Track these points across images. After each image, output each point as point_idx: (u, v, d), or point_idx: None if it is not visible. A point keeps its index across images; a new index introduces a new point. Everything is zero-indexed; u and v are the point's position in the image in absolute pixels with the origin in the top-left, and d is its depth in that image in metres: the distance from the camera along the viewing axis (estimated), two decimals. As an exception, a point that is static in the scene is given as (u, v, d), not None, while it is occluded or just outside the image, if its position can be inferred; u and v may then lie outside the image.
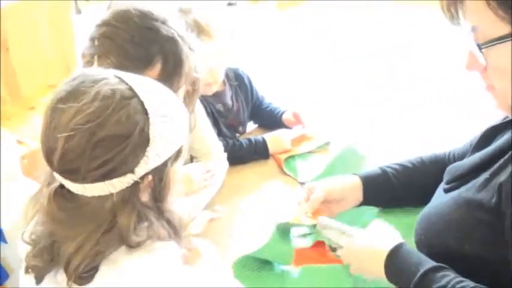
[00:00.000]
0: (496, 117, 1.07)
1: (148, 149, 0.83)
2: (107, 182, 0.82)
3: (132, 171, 0.83)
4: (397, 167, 1.30)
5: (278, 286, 1.19)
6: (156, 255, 0.86)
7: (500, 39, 0.83)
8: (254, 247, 1.22)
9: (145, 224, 0.87)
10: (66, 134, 0.80)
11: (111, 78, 0.85)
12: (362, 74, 2.82)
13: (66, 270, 0.83)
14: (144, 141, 0.83)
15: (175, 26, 1.19)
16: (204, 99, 1.66)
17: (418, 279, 0.93)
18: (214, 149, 1.57)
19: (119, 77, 0.86)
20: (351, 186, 1.28)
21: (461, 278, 0.91)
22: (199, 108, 1.51)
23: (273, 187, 1.57)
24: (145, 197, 0.88)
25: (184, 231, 0.95)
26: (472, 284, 0.89)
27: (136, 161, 0.82)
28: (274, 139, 1.71)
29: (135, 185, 0.84)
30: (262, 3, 4.94)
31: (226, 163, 1.59)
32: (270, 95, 1.94)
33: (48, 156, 0.83)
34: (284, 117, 1.80)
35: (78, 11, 4.68)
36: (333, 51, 3.45)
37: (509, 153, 0.94)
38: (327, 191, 1.25)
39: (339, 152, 1.63)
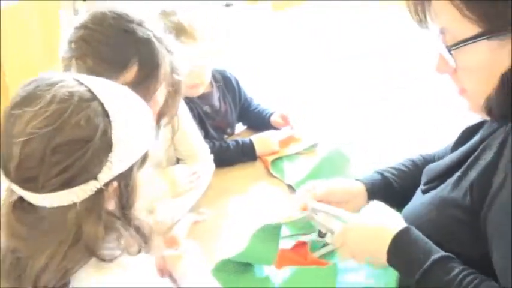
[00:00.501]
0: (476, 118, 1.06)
1: (111, 154, 0.79)
2: (68, 191, 0.77)
3: (95, 178, 0.79)
4: (394, 171, 1.27)
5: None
6: (127, 272, 0.83)
7: (469, 40, 0.82)
8: (234, 251, 1.20)
9: (115, 235, 0.84)
10: (22, 140, 0.76)
11: (68, 80, 0.81)
12: (357, 74, 2.82)
13: None
14: (106, 146, 0.79)
15: (152, 27, 1.18)
16: (191, 101, 1.66)
17: (427, 267, 0.89)
18: (200, 150, 1.56)
19: (77, 80, 0.82)
20: (355, 191, 1.24)
21: (470, 270, 0.88)
22: (184, 110, 1.50)
23: (260, 189, 1.56)
24: (111, 205, 0.84)
25: (154, 238, 0.91)
26: (482, 276, 0.87)
27: (99, 167, 0.79)
28: (261, 141, 1.70)
29: (100, 192, 0.80)
30: (260, 4, 4.94)
31: (213, 165, 1.58)
32: (262, 95, 1.93)
33: (5, 165, 0.78)
34: (272, 118, 1.80)
35: (76, 12, 4.65)
36: (328, 51, 3.46)
37: (478, 149, 0.94)
38: (328, 192, 1.21)
39: (325, 154, 1.62)
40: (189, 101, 1.65)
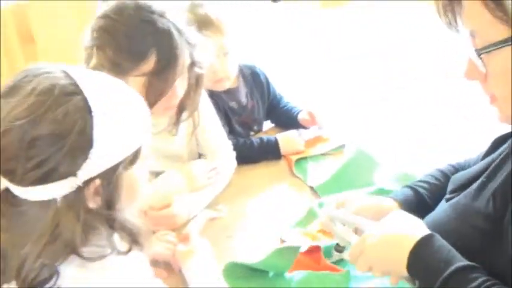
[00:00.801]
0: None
1: (92, 151, 0.76)
2: (46, 186, 0.75)
3: (74, 175, 0.76)
4: (425, 185, 1.20)
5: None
6: (113, 270, 0.81)
7: (500, 42, 0.77)
8: (248, 258, 1.17)
9: (102, 234, 0.82)
10: (1, 131, 0.75)
11: (55, 72, 0.79)
12: (358, 74, 2.78)
13: (17, 283, 0.79)
14: (85, 143, 0.76)
15: (174, 19, 1.17)
16: (217, 96, 1.64)
17: (447, 275, 0.83)
18: (222, 146, 1.53)
19: (65, 72, 0.79)
20: (388, 209, 1.13)
21: (494, 281, 0.82)
22: (206, 104, 1.48)
23: (281, 190, 1.53)
24: (94, 203, 0.80)
25: (145, 237, 0.88)
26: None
27: (78, 164, 0.76)
28: (286, 139, 1.66)
29: (80, 190, 0.77)
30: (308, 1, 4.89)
31: (234, 162, 1.56)
32: (291, 93, 1.89)
33: None
34: (299, 116, 1.75)
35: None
36: (329, 51, 3.42)
37: (501, 155, 0.89)
38: (360, 209, 1.13)
39: (351, 155, 1.58)
40: (214, 96, 1.63)
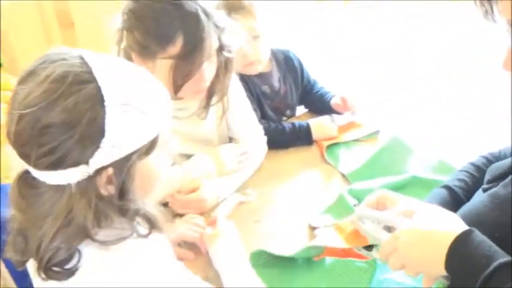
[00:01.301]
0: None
1: (103, 140, 0.75)
2: (58, 172, 0.76)
3: (86, 163, 0.76)
4: (461, 183, 1.15)
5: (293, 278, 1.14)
6: (133, 254, 0.82)
7: None
8: (275, 247, 1.17)
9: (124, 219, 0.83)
10: (16, 116, 0.75)
11: (72, 59, 0.78)
12: (364, 74, 2.72)
13: (36, 262, 0.81)
14: (96, 132, 0.75)
15: (202, 2, 1.16)
16: (249, 80, 1.63)
17: (490, 272, 0.77)
18: (252, 131, 1.52)
19: (82, 59, 0.78)
20: None
21: None
22: (237, 88, 1.47)
23: (311, 176, 1.51)
24: (108, 190, 0.81)
25: (163, 225, 0.88)
26: None
27: (89, 153, 0.76)
28: (319, 125, 1.64)
29: (92, 178, 0.78)
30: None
31: (265, 147, 1.55)
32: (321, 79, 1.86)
33: (8, 138, 0.79)
34: (332, 101, 1.72)
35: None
36: (332, 51, 3.37)
37: None
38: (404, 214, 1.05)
39: (385, 143, 1.54)
40: (247, 80, 1.62)
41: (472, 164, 1.19)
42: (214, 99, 1.36)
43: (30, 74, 0.78)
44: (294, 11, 4.32)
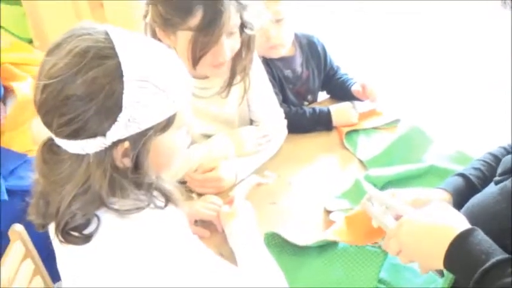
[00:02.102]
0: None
1: (121, 115, 0.78)
2: (78, 141, 0.80)
3: (103, 135, 0.79)
4: (477, 173, 1.16)
5: (305, 260, 1.16)
6: (150, 222, 0.85)
7: None
8: (289, 235, 1.18)
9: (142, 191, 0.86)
10: (41, 86, 0.79)
11: (97, 34, 0.81)
12: (386, 63, 2.66)
13: (55, 225, 0.86)
14: (114, 106, 0.78)
15: None
16: (272, 64, 1.64)
17: (488, 267, 0.81)
18: (273, 114, 1.54)
19: (107, 34, 0.81)
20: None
21: None
22: (259, 70, 1.48)
23: (329, 161, 1.52)
24: (124, 164, 0.84)
25: (178, 197, 0.91)
26: None
27: (106, 126, 0.79)
28: (340, 111, 1.64)
29: (109, 149, 0.81)
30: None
31: (285, 130, 1.56)
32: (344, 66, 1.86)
33: (35, 105, 0.82)
34: (353, 88, 1.72)
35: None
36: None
37: None
38: (413, 202, 1.10)
39: (404, 131, 1.54)
40: (270, 63, 1.63)
41: (490, 154, 1.19)
42: (237, 78, 1.38)
43: (57, 46, 0.81)
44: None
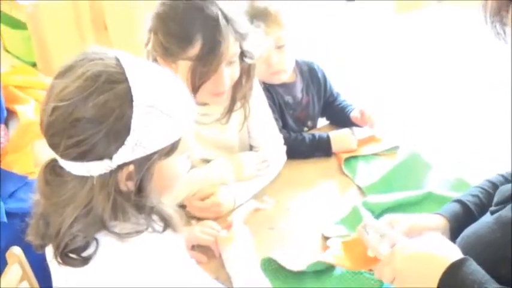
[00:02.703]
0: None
1: (128, 138, 0.80)
2: (84, 163, 0.81)
3: (110, 158, 0.81)
4: (475, 199, 1.16)
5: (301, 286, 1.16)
6: (148, 247, 0.86)
7: None
8: (285, 261, 1.18)
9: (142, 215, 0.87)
10: (51, 107, 0.81)
11: (108, 59, 0.83)
12: (386, 89, 2.69)
13: (53, 247, 0.86)
14: (122, 130, 0.80)
15: (224, 7, 1.20)
16: (273, 90, 1.65)
17: None
18: (273, 139, 1.55)
19: (117, 60, 0.84)
20: (437, 228, 1.10)
21: None
22: (260, 97, 1.50)
23: (328, 187, 1.52)
24: (128, 187, 0.86)
25: (177, 223, 0.92)
26: None
27: (113, 148, 0.80)
28: (339, 137, 1.65)
29: (114, 172, 0.82)
30: (382, 4, 4.82)
31: (284, 156, 1.57)
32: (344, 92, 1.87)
33: (41, 127, 0.84)
34: (352, 114, 1.73)
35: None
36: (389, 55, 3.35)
37: None
38: (409, 229, 1.10)
39: (403, 158, 1.55)
40: (271, 89, 1.64)
41: (488, 181, 1.19)
42: (237, 105, 1.40)
43: (68, 69, 0.83)
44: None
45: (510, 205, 0.93)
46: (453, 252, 0.91)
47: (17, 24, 2.83)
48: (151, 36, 1.26)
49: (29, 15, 2.61)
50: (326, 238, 1.30)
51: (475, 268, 0.87)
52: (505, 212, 0.93)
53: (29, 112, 1.95)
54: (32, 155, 1.85)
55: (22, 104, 1.98)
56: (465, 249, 0.96)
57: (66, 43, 2.60)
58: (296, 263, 1.17)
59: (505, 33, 0.82)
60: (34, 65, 2.79)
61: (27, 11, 2.60)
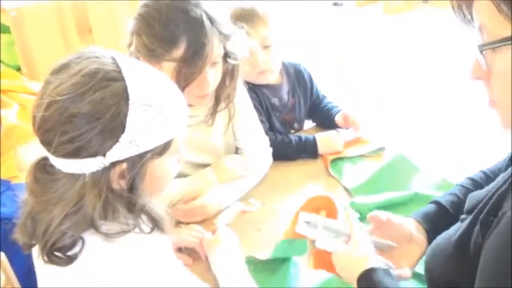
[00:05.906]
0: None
1: (123, 136, 0.80)
2: (77, 160, 0.80)
3: (103, 155, 0.80)
4: (452, 198, 1.16)
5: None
6: (134, 247, 0.85)
7: (501, 41, 0.71)
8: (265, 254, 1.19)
9: (130, 214, 0.86)
10: (45, 103, 0.80)
11: (105, 58, 0.84)
12: (407, 80, 2.69)
13: (39, 245, 0.85)
14: (117, 127, 0.80)
15: (208, 9, 1.20)
16: (259, 91, 1.65)
17: None
18: (258, 141, 1.54)
19: (113, 59, 0.84)
20: (409, 232, 1.12)
21: None
22: (244, 98, 1.49)
23: (314, 188, 1.51)
24: (119, 185, 0.85)
25: (167, 223, 0.91)
26: None
27: (108, 145, 0.80)
28: (325, 139, 1.65)
29: (107, 170, 0.82)
30: (369, 6, 4.87)
31: (270, 158, 1.56)
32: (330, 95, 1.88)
33: (33, 124, 0.83)
34: (336, 117, 1.74)
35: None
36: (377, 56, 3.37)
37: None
38: (384, 229, 1.12)
39: (389, 159, 1.55)
40: (257, 91, 1.64)
41: (469, 179, 1.19)
42: (221, 105, 1.39)
43: (64, 67, 0.83)
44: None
45: (469, 220, 0.91)
46: (367, 259, 0.98)
47: (1, 28, 2.81)
48: (133, 38, 1.25)
49: (12, 19, 2.59)
50: (313, 241, 1.29)
51: (379, 280, 0.93)
52: (467, 228, 0.90)
53: (12, 116, 1.93)
54: (15, 159, 1.83)
55: (5, 108, 1.96)
56: (431, 259, 0.97)
57: (50, 47, 2.59)
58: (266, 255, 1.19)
59: (472, 18, 0.79)
60: (18, 69, 2.76)
61: (11, 15, 2.58)
